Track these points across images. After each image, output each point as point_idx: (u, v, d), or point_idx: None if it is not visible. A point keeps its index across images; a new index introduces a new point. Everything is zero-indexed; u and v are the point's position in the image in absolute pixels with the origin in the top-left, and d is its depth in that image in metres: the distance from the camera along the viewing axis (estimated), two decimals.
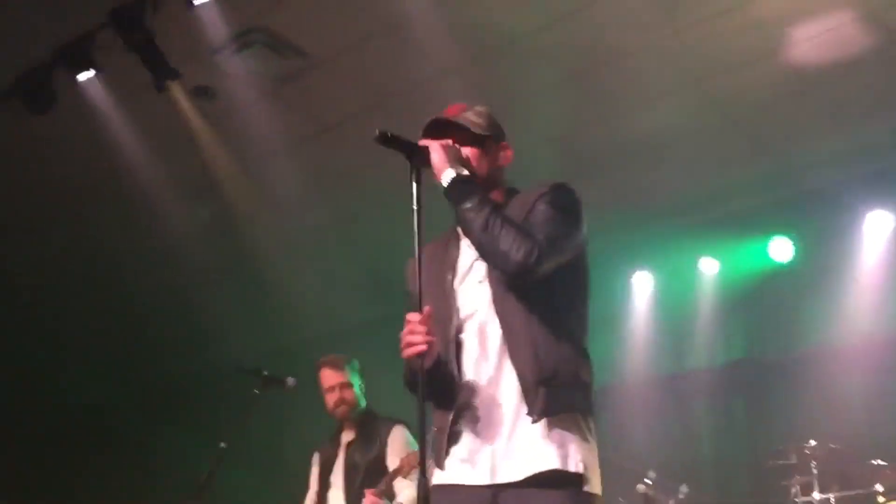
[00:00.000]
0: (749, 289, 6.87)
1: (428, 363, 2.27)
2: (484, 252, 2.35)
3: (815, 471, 5.24)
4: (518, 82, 5.38)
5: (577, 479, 2.26)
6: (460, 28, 4.94)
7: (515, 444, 2.28)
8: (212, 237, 6.83)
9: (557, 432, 2.27)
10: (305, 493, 4.54)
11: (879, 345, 6.09)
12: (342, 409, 4.39)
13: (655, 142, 6.02)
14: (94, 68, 5.03)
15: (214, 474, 4.00)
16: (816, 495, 5.20)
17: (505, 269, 2.30)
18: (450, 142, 2.46)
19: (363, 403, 4.44)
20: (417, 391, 2.26)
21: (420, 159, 2.38)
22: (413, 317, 2.24)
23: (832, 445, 5.29)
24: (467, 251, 2.48)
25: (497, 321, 2.36)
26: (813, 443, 5.29)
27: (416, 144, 2.42)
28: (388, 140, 2.34)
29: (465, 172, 2.40)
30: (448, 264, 2.47)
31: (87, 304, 7.20)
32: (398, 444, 4.22)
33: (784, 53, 5.13)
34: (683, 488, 5.90)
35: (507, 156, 2.61)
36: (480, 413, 2.33)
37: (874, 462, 5.14)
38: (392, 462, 4.17)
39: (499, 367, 2.34)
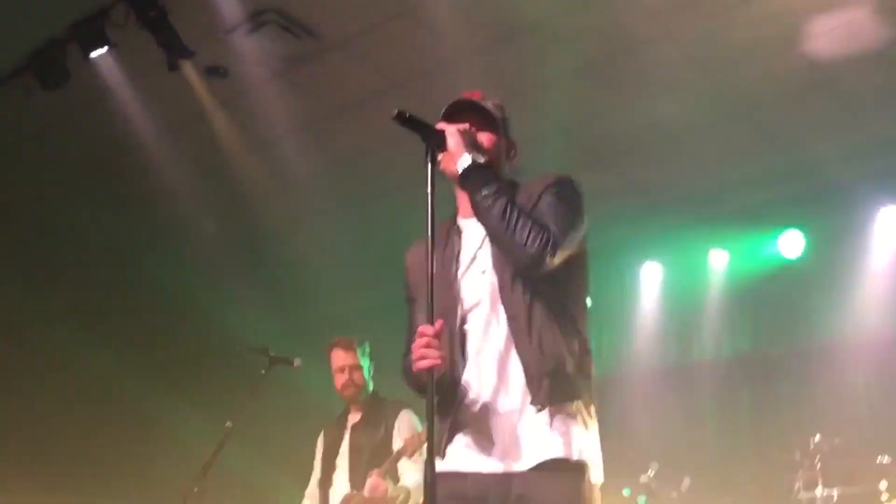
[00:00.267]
0: (758, 282, 6.85)
1: (437, 376, 2.26)
2: (500, 241, 2.35)
3: (819, 466, 5.24)
4: (533, 69, 5.36)
5: (580, 468, 2.29)
6: (476, 12, 4.92)
7: (520, 434, 2.30)
8: (222, 215, 6.84)
9: (562, 422, 2.29)
10: (310, 473, 4.56)
11: (887, 341, 6.07)
12: (350, 390, 4.41)
13: (668, 133, 5.99)
14: (108, 45, 5.02)
15: (220, 453, 4.01)
16: (820, 491, 5.20)
17: (520, 258, 2.31)
18: (467, 125, 2.45)
19: (371, 386, 4.46)
20: (416, 389, 2.35)
21: (436, 142, 2.38)
22: (427, 330, 2.23)
23: (837, 441, 5.28)
24: (470, 241, 2.48)
25: (503, 312, 2.36)
26: (818, 438, 5.28)
27: (433, 127, 2.41)
28: (405, 120, 2.32)
29: (482, 159, 2.41)
30: (450, 254, 2.46)
31: (97, 280, 7.22)
32: (405, 427, 4.24)
33: (800, 46, 5.09)
34: (686, 481, 5.90)
35: (515, 152, 2.62)
36: (484, 403, 2.34)
37: (879, 458, 5.12)
38: (398, 444, 4.19)
39: (504, 358, 2.35)
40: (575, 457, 2.28)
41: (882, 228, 6.40)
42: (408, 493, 4.10)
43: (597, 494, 2.33)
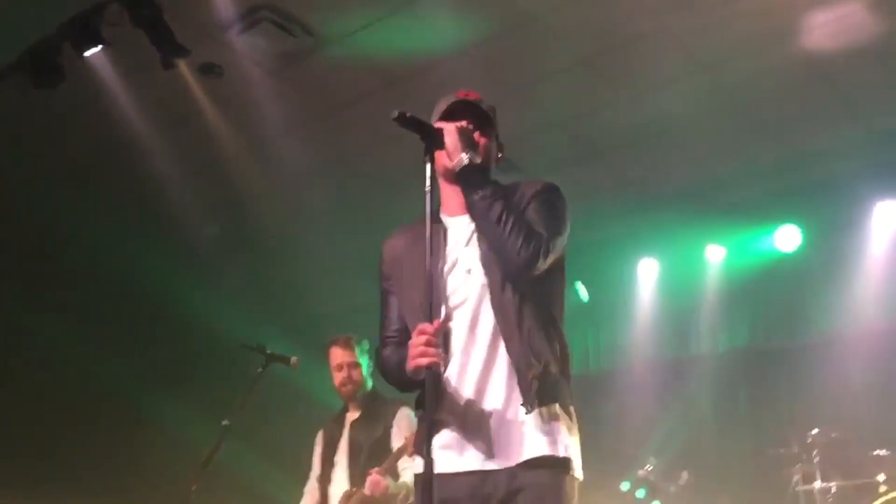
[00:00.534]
0: (755, 277, 6.86)
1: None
2: (494, 243, 2.39)
3: (816, 460, 5.25)
4: (528, 65, 5.35)
5: (565, 463, 2.34)
6: (472, 8, 4.91)
7: (506, 432, 2.33)
8: (219, 214, 6.83)
9: (547, 422, 2.34)
10: (308, 471, 4.56)
11: (884, 335, 6.09)
12: (348, 388, 4.42)
13: (664, 128, 5.99)
14: (102, 44, 5.00)
15: (217, 452, 4.00)
16: (818, 484, 5.21)
17: (513, 261, 2.35)
18: (464, 123, 2.49)
19: (370, 384, 4.46)
20: (398, 384, 2.48)
21: (435, 141, 2.41)
22: (427, 328, 2.25)
23: (834, 434, 5.30)
24: (454, 239, 2.50)
25: (489, 311, 2.40)
26: (815, 431, 5.30)
27: (433, 126, 2.45)
28: (405, 121, 2.35)
29: (478, 159, 2.45)
30: (434, 251, 2.44)
31: (91, 278, 7.21)
32: (405, 426, 4.24)
33: (796, 41, 5.09)
34: (684, 475, 5.92)
35: (503, 155, 2.66)
36: (468, 401, 2.36)
37: (877, 452, 5.14)
38: (397, 442, 4.20)
39: (490, 358, 2.38)
40: (561, 453, 2.34)
41: (878, 223, 6.41)
42: (409, 490, 4.10)
43: (577, 490, 2.38)
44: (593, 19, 4.98)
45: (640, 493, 5.92)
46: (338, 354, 4.45)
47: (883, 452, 5.12)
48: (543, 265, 2.36)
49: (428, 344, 2.23)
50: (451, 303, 2.43)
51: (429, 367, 2.23)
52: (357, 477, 4.22)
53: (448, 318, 2.42)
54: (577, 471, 2.38)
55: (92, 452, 6.95)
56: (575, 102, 5.75)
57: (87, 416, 7.02)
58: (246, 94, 5.59)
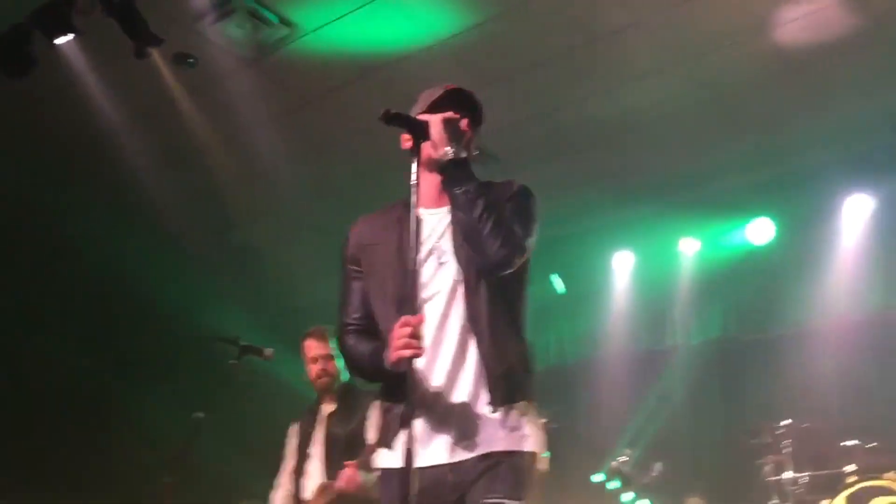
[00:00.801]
0: (728, 269, 6.92)
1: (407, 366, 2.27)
2: (473, 239, 2.40)
3: (787, 450, 5.31)
4: (503, 58, 5.35)
5: (531, 456, 2.39)
6: (450, 0, 4.89)
7: (473, 428, 2.36)
8: (193, 205, 6.77)
9: (514, 417, 2.39)
10: (281, 464, 4.54)
11: (854, 326, 6.16)
12: (324, 380, 4.41)
13: (638, 121, 6.02)
14: (74, 32, 4.93)
15: (191, 445, 3.98)
16: (789, 474, 5.27)
17: (490, 258, 2.37)
18: (451, 114, 2.49)
19: (345, 376, 4.44)
20: (359, 372, 2.55)
21: (422, 134, 2.42)
22: (411, 320, 2.25)
23: (805, 425, 5.36)
24: (430, 229, 2.50)
25: (461, 307, 2.42)
26: (786, 422, 5.35)
27: (418, 120, 2.45)
28: (391, 118, 2.37)
29: (463, 153, 2.45)
30: (407, 241, 2.43)
31: (65, 271, 7.13)
32: None
33: (768, 34, 5.13)
34: (657, 466, 5.96)
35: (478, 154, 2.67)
36: (436, 394, 2.37)
37: (846, 442, 5.20)
38: (372, 435, 4.18)
39: (459, 354, 2.40)
40: (527, 448, 2.38)
41: (849, 215, 6.48)
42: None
43: (540, 481, 2.41)
44: (569, 13, 4.99)
45: (614, 485, 5.96)
46: (313, 347, 4.44)
47: (852, 443, 5.18)
48: (517, 264, 2.40)
49: (413, 336, 2.24)
50: (424, 295, 2.43)
51: (411, 359, 2.24)
52: (332, 470, 4.21)
53: (420, 309, 2.40)
54: (543, 463, 2.43)
55: (63, 445, 6.89)
56: (550, 96, 5.76)
57: (58, 408, 6.96)
58: (220, 84, 5.55)
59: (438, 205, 2.51)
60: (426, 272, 2.45)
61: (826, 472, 5.21)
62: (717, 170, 6.51)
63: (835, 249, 6.45)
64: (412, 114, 2.52)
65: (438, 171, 2.46)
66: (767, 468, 5.42)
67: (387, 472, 2.42)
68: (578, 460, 6.11)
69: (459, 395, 2.38)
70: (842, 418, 5.69)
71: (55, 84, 5.31)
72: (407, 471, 2.15)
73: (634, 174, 6.67)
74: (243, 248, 7.53)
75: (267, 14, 5.02)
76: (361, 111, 2.36)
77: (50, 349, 6.87)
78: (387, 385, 2.43)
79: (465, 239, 2.42)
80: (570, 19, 5.04)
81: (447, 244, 2.47)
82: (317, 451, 4.37)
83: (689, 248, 7.10)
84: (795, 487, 5.23)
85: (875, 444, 5.13)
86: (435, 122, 2.44)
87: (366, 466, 4.11)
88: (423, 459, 2.31)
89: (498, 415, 2.36)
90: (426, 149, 2.44)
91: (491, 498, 2.29)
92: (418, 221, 2.47)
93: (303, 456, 4.40)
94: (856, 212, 6.46)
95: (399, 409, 2.36)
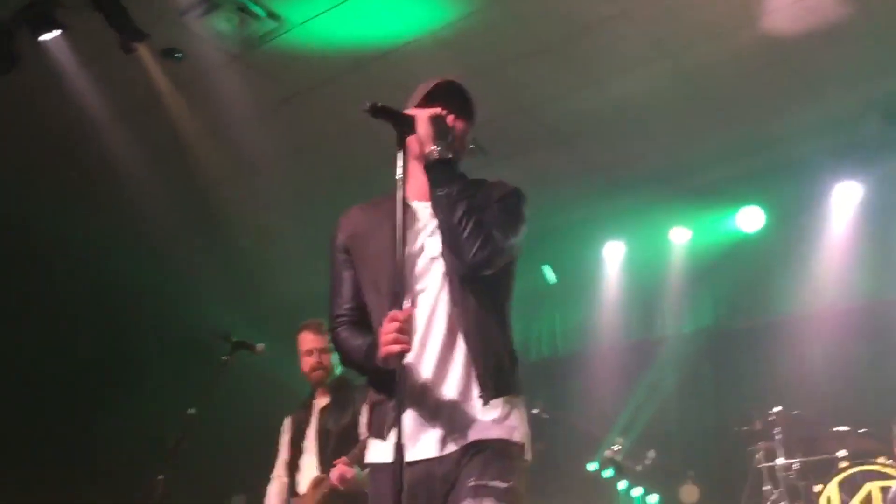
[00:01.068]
0: (719, 258, 6.94)
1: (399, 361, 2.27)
2: (449, 241, 2.39)
3: (779, 437, 5.34)
4: (494, 49, 5.34)
5: (519, 447, 2.40)
6: None
7: (461, 422, 2.36)
8: (181, 201, 6.74)
9: (503, 410, 2.40)
10: (275, 458, 4.54)
11: (844, 314, 6.19)
12: (318, 373, 4.40)
13: (628, 112, 6.02)
14: (59, 28, 4.90)
15: (183, 440, 3.98)
16: (780, 460, 5.30)
17: (465, 262, 2.37)
18: (439, 110, 2.47)
19: (339, 370, 4.44)
20: (354, 365, 2.50)
21: (408, 128, 2.40)
22: (399, 314, 2.24)
23: (796, 412, 5.39)
24: (422, 224, 2.49)
25: (448, 302, 2.41)
26: (777, 409, 5.38)
27: (405, 114, 2.43)
28: (376, 111, 2.35)
29: (449, 154, 2.43)
30: (397, 234, 2.41)
31: (55, 267, 7.11)
32: None
33: (757, 24, 5.13)
34: (651, 453, 5.99)
35: (473, 148, 2.67)
36: (425, 390, 2.37)
37: (837, 428, 5.24)
38: (364, 430, 4.18)
39: (447, 348, 2.39)
40: (516, 439, 2.39)
41: (838, 203, 6.50)
42: None
43: (525, 471, 2.43)
44: (557, 4, 4.98)
45: (608, 473, 5.98)
46: (308, 339, 4.43)
47: (843, 429, 5.22)
48: (498, 265, 2.40)
49: (400, 331, 2.23)
50: (417, 287, 2.43)
51: (400, 353, 2.23)
52: (326, 464, 4.20)
53: (411, 304, 2.41)
54: (529, 454, 2.45)
55: (55, 443, 6.87)
56: (540, 87, 5.76)
57: (49, 404, 6.94)
58: (207, 78, 5.52)
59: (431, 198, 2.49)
60: (419, 265, 2.44)
61: (817, 457, 5.24)
62: (707, 159, 6.52)
63: (824, 237, 6.48)
64: (409, 106, 2.50)
65: (424, 169, 2.44)
66: (759, 455, 5.45)
67: (376, 467, 2.42)
68: (572, 449, 6.13)
69: (449, 389, 2.37)
70: (832, 405, 5.72)
71: (41, 80, 5.28)
72: (397, 466, 2.14)
73: (624, 164, 6.67)
74: (232, 243, 7.50)
75: (254, 7, 5.00)
76: (350, 105, 2.34)
77: (39, 347, 6.85)
78: (378, 379, 2.42)
79: (444, 242, 2.42)
80: (558, 11, 5.03)
81: (437, 240, 2.45)
82: (310, 445, 4.37)
83: (680, 238, 7.12)
84: (787, 473, 5.27)
85: (866, 429, 5.16)
86: (422, 118, 2.41)
87: (358, 461, 4.12)
88: (412, 454, 2.30)
89: (488, 409, 2.36)
90: (414, 142, 2.41)
91: (480, 481, 2.30)
92: (412, 213, 2.49)
93: (296, 450, 4.40)
94: (845, 199, 6.48)
95: (390, 403, 2.35)
